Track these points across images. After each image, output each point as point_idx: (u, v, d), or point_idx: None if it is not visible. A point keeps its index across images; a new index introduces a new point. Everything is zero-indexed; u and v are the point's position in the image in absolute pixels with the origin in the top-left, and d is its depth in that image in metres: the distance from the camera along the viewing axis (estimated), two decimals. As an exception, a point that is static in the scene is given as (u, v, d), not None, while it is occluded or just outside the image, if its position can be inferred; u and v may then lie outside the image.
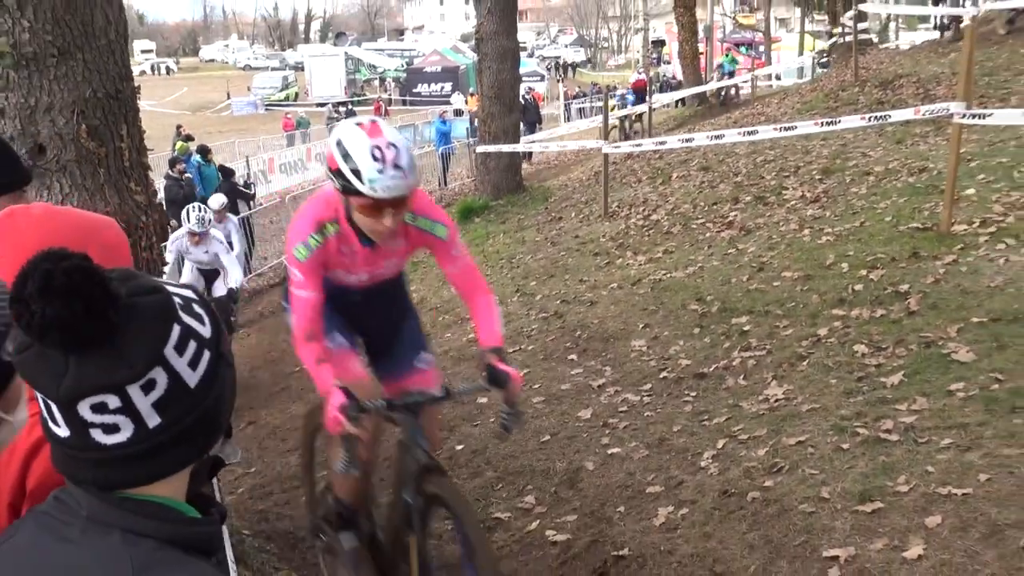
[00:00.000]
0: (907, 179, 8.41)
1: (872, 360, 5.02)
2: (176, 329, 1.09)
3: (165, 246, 8.04)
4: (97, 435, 1.06)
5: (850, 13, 17.59)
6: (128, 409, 1.06)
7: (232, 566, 3.34)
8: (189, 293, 1.18)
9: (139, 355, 1.05)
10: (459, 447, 5.61)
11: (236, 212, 15.83)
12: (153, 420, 1.07)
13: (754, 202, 9.43)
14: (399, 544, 3.40)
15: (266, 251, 15.83)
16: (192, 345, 1.11)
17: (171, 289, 1.14)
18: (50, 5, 3.86)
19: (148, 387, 1.06)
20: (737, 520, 3.85)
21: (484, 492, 4.92)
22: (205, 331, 1.14)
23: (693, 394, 5.34)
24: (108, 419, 1.05)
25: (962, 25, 7.31)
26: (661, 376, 5.72)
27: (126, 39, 4.17)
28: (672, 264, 8.18)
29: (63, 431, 1.07)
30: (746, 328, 6.04)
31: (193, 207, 8.74)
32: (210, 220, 8.93)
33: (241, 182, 17.79)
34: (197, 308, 1.16)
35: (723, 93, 27.09)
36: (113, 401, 1.04)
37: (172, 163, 15.76)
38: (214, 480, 4.01)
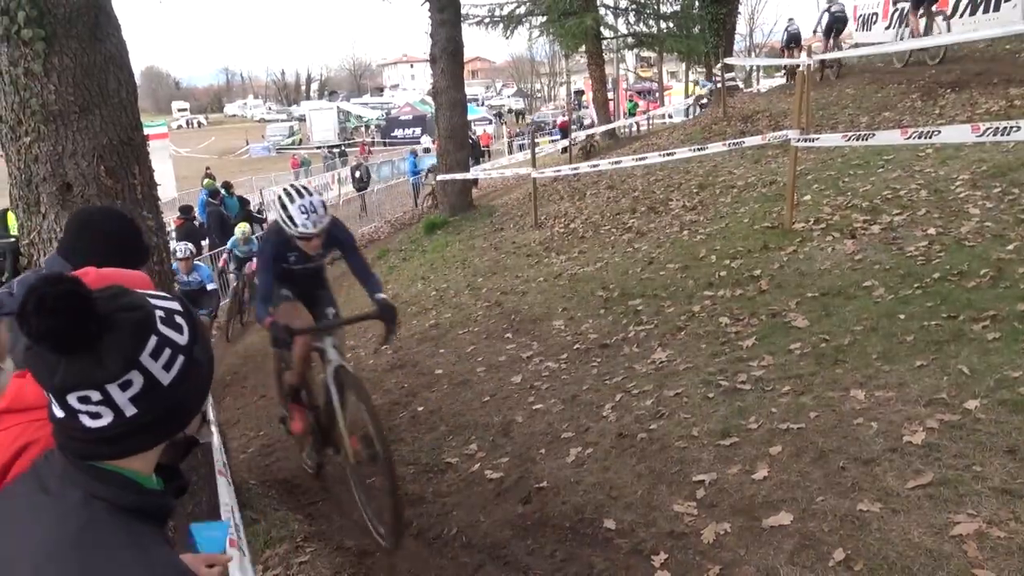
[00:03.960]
0: (761, 190, 8.47)
1: (732, 329, 5.02)
2: (153, 339, 1.06)
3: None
4: (84, 420, 1.05)
5: (719, 65, 17.72)
6: (108, 402, 1.04)
7: (233, 508, 3.24)
8: (174, 305, 1.13)
9: (115, 361, 1.03)
10: (419, 408, 5.52)
11: (252, 233, 15.67)
12: (130, 411, 1.06)
13: (647, 212, 9.42)
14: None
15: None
16: (167, 351, 1.08)
17: (156, 303, 1.10)
18: (71, 72, 3.73)
19: (125, 386, 1.04)
20: (629, 456, 3.82)
21: (439, 443, 4.84)
22: (182, 339, 1.10)
23: (598, 360, 5.30)
24: (92, 408, 1.04)
25: (798, 71, 7.38)
26: (575, 347, 5.68)
27: (135, 98, 4.01)
28: (585, 261, 8.14)
29: (59, 412, 1.06)
30: (639, 308, 6.02)
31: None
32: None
33: (255, 209, 17.53)
34: (178, 319, 1.12)
35: (632, 128, 27.26)
36: (95, 395, 1.03)
37: (213, 194, 15.88)
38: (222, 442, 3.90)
